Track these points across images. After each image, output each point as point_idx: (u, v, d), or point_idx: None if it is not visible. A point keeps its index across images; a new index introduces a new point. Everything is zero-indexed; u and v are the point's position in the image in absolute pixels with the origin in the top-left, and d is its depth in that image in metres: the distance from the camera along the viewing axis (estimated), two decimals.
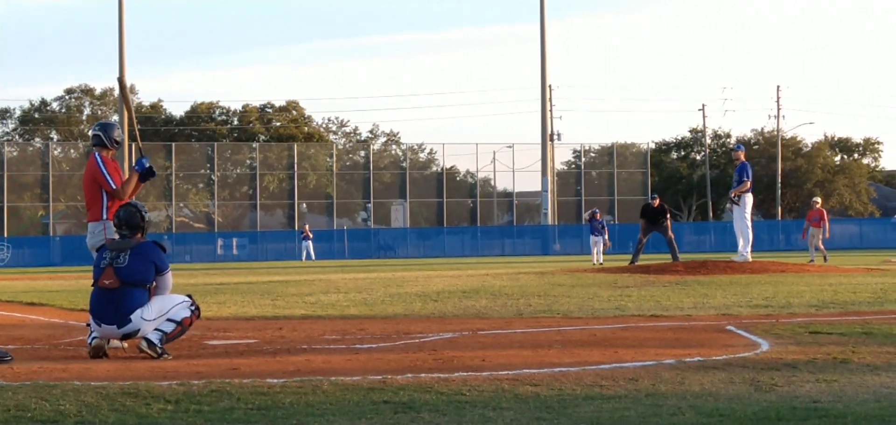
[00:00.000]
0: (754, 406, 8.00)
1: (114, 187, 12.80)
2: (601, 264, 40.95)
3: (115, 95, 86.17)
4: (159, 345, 11.41)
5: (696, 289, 21.25)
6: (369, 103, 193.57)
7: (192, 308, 11.84)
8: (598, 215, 47.29)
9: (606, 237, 46.64)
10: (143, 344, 11.38)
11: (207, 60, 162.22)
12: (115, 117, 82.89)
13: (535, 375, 9.53)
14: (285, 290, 24.03)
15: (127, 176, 13.13)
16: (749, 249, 28.69)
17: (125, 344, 11.88)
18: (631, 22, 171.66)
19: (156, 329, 11.50)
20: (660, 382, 9.10)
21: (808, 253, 41.64)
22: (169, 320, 11.58)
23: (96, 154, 13.01)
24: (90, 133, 13.21)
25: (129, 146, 48.23)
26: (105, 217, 12.86)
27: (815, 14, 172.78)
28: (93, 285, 11.84)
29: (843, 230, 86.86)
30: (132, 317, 11.41)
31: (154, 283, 11.70)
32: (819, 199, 45.46)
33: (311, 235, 70.97)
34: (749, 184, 28.46)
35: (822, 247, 42.34)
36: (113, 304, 11.45)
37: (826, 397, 8.36)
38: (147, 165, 12.94)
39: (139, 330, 11.43)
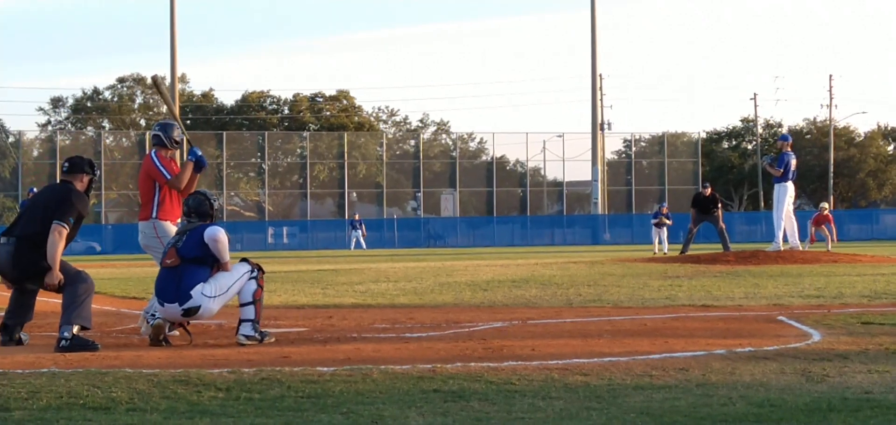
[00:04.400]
0: (805, 397, 7.95)
1: (168, 177, 12.89)
2: (665, 253, 40.91)
3: (166, 85, 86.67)
4: (255, 333, 11.55)
5: (747, 279, 21.15)
6: (419, 92, 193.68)
7: (255, 274, 11.86)
8: (665, 209, 47.58)
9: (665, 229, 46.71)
10: (242, 340, 11.49)
11: (258, 49, 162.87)
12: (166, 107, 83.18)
13: (584, 365, 9.52)
14: (335, 279, 24.10)
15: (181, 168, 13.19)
16: (780, 240, 28.66)
17: (177, 331, 11.95)
18: (681, 10, 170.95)
19: (243, 321, 11.60)
20: (710, 372, 9.06)
21: (825, 244, 41.69)
22: (244, 305, 11.66)
23: (153, 152, 13.11)
24: (151, 133, 13.34)
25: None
26: (155, 216, 12.93)
27: (868, 2, 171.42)
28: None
29: (895, 220, 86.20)
30: (192, 292, 11.50)
31: (215, 267, 11.76)
32: (827, 204, 45.89)
33: (363, 227, 71.07)
34: (779, 172, 28.36)
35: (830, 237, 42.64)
36: (174, 282, 11.58)
37: (878, 388, 8.30)
38: (199, 154, 13.01)
39: (200, 306, 11.50)
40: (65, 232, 11.56)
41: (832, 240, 42.37)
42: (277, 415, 7.43)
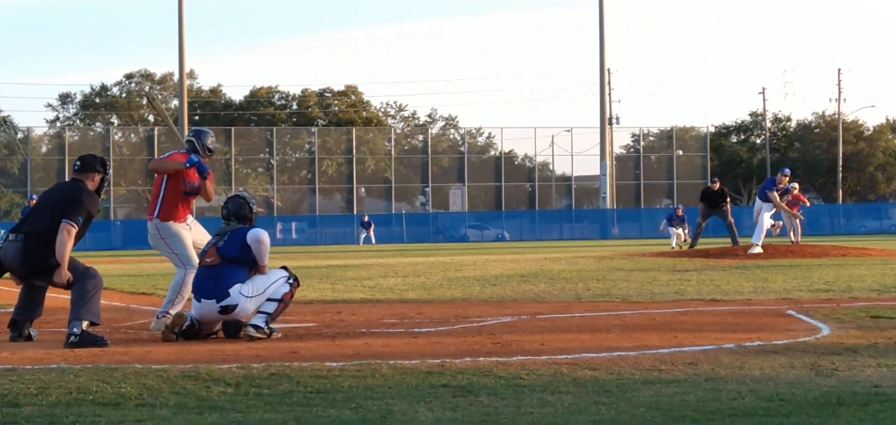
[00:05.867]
0: (815, 391, 7.94)
1: (161, 157, 12.88)
2: (680, 248, 40.84)
3: (174, 81, 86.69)
4: (266, 326, 11.58)
5: (755, 273, 21.13)
6: (428, 87, 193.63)
7: (291, 281, 11.94)
8: (680, 211, 48.10)
9: (685, 230, 47.13)
10: (251, 330, 11.51)
11: (266, 45, 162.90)
12: (175, 102, 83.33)
13: (594, 359, 9.51)
14: (344, 274, 24.12)
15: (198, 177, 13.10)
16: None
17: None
18: (690, 4, 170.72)
19: (259, 312, 11.65)
20: (719, 367, 9.06)
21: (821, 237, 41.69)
22: (270, 300, 11.70)
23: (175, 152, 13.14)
24: (186, 138, 13.30)
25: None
26: (157, 215, 12.92)
27: None
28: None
29: None
30: (231, 291, 11.56)
31: (253, 270, 11.81)
32: (796, 185, 45.79)
33: (373, 227, 71.55)
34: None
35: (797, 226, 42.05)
36: (213, 280, 11.65)
37: (888, 382, 8.29)
38: (196, 160, 12.97)
39: (237, 305, 11.55)
40: (74, 231, 11.60)
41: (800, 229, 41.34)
42: (286, 410, 7.43)
